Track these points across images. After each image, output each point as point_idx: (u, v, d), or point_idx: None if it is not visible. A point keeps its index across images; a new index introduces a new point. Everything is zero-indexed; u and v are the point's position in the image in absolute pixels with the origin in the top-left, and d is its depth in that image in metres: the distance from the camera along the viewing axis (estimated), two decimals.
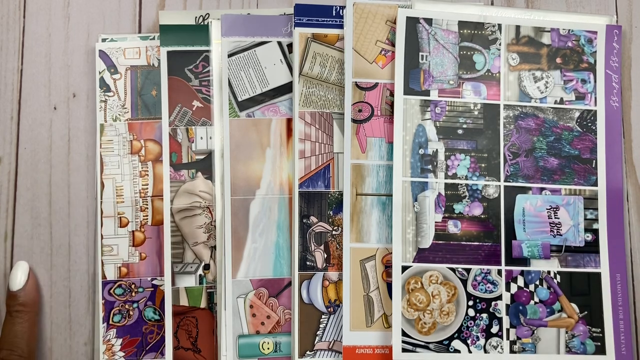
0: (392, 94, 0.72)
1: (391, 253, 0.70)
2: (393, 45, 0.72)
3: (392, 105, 0.72)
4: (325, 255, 0.70)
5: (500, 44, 0.73)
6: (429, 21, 0.72)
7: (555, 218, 0.72)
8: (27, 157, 0.72)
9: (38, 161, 0.72)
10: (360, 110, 0.71)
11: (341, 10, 0.73)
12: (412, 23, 0.72)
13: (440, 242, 0.70)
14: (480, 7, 0.74)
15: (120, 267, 0.71)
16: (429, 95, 0.72)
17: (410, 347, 0.69)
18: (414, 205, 0.70)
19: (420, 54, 0.72)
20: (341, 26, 0.73)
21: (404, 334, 0.69)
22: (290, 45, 0.73)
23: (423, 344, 0.69)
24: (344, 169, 0.70)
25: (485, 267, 0.70)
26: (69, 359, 0.70)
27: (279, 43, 0.73)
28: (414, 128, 0.71)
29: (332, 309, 0.70)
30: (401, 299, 0.69)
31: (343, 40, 0.72)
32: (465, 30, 0.73)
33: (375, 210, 0.70)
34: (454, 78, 0.73)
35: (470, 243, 0.71)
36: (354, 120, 0.71)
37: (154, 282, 0.71)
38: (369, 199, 0.70)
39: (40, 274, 0.71)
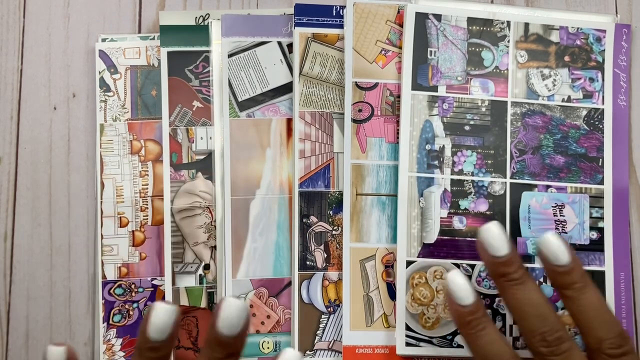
0: (392, 94, 0.72)
1: (391, 253, 0.70)
2: (393, 45, 0.72)
3: (392, 105, 0.71)
4: (325, 255, 0.70)
5: (508, 41, 0.73)
6: (438, 17, 0.72)
7: (560, 216, 0.71)
8: (27, 157, 0.72)
9: (38, 161, 0.72)
10: (360, 110, 0.71)
11: (341, 10, 0.73)
12: (421, 19, 0.72)
13: (445, 237, 0.70)
14: (483, 5, 0.74)
15: (120, 267, 0.71)
16: (436, 91, 0.71)
17: (413, 342, 0.68)
18: (419, 201, 0.70)
19: (429, 49, 0.72)
20: (341, 26, 0.72)
21: (407, 328, 0.69)
22: (290, 45, 0.73)
23: (427, 338, 0.69)
24: (344, 169, 0.70)
25: None
26: None
27: (279, 43, 0.73)
28: (421, 123, 0.71)
29: (332, 309, 0.70)
30: (405, 293, 0.69)
31: (343, 40, 0.72)
32: (474, 27, 0.72)
33: (375, 210, 0.70)
34: (462, 74, 0.72)
35: (475, 239, 0.70)
36: (354, 120, 0.71)
37: (154, 282, 0.71)
38: (369, 199, 0.70)
39: (40, 274, 0.71)
